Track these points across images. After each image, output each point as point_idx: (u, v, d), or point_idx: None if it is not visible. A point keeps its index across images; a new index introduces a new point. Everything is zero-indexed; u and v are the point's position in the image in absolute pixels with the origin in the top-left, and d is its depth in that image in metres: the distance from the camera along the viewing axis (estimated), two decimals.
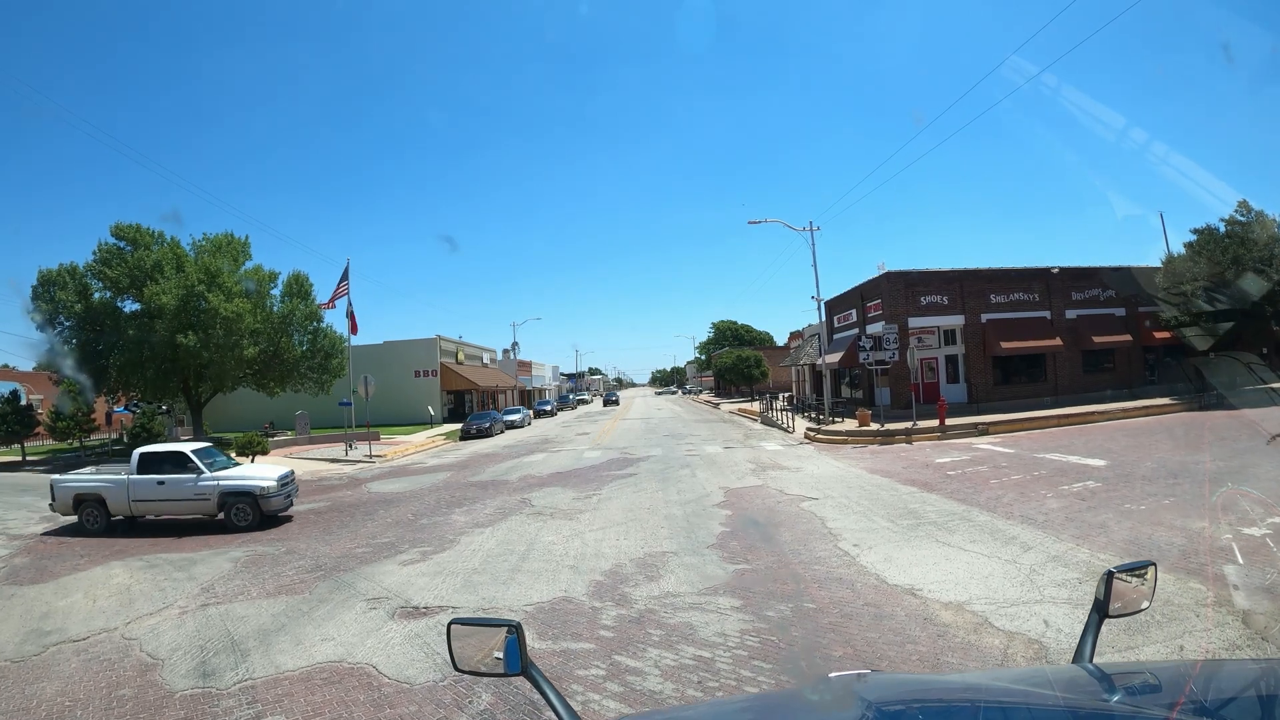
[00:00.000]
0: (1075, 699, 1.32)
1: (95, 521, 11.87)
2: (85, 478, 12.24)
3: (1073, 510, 8.88)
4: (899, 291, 26.14)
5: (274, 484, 11.94)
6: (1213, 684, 1.37)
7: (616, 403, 68.90)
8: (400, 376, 42.02)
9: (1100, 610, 1.65)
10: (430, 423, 39.95)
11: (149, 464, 11.96)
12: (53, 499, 12.01)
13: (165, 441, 25.29)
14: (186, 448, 12.35)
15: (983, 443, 17.45)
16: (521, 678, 1.56)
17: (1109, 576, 1.65)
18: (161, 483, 11.80)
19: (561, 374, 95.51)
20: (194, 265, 24.56)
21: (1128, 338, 26.35)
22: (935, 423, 19.94)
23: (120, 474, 12.09)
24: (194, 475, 11.77)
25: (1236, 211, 23.18)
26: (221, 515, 11.80)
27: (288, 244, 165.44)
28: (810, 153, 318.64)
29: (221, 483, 11.80)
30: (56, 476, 12.28)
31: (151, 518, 12.21)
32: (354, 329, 26.30)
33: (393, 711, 4.35)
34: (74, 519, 11.99)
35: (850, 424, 22.24)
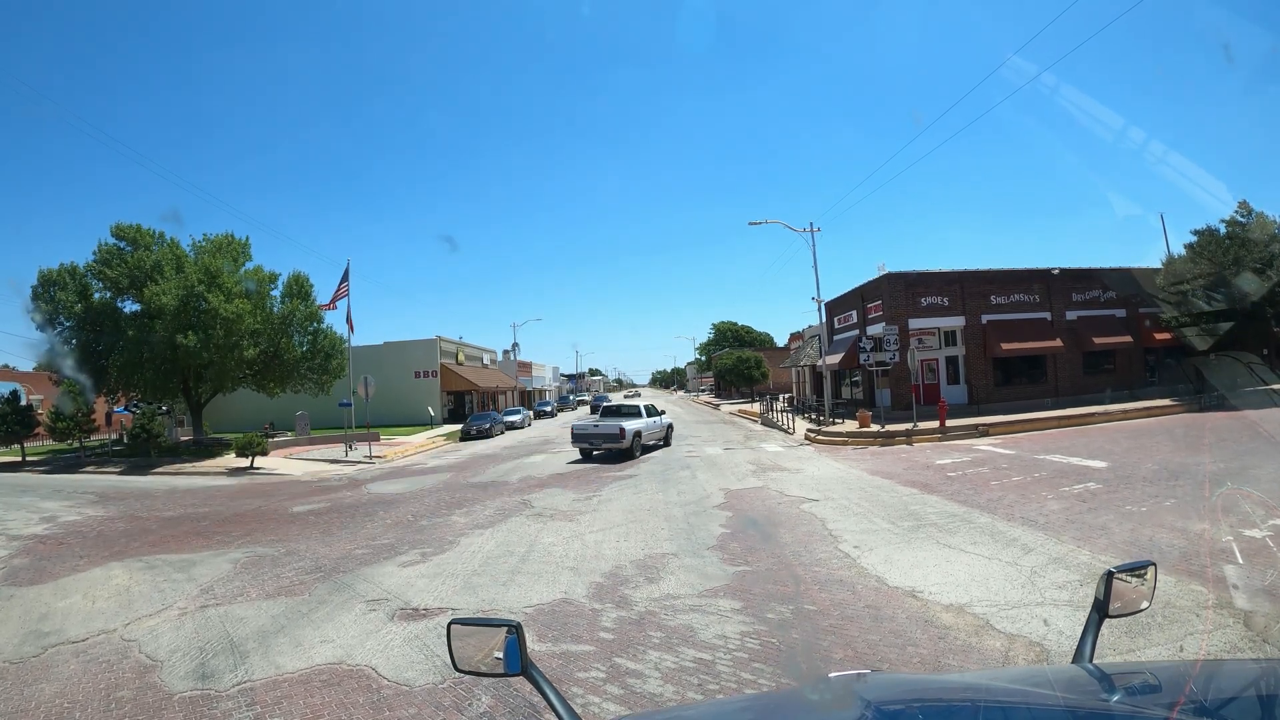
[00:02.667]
0: (1075, 699, 1.32)
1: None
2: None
3: (1074, 512, 8.86)
4: (899, 292, 26.14)
5: (673, 422, 23.37)
6: (1213, 684, 1.37)
7: None
8: (400, 377, 42.03)
9: (1100, 610, 1.65)
10: (430, 423, 39.95)
11: (650, 412, 20.50)
12: (575, 440, 19.33)
13: (164, 441, 25.45)
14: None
15: (983, 444, 17.44)
16: (521, 678, 1.55)
17: (1109, 576, 1.64)
18: (655, 422, 20.57)
19: (562, 375, 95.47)
20: (194, 266, 24.52)
21: (1128, 339, 26.33)
22: (936, 424, 19.94)
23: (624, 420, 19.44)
24: (658, 417, 21.09)
25: (1236, 212, 23.23)
26: (663, 441, 21.44)
27: (288, 244, 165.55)
28: (811, 153, 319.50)
29: (667, 421, 22.06)
30: (576, 422, 18.65)
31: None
32: (350, 328, 26.58)
33: (392, 714, 4.34)
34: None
35: (851, 425, 22.22)
